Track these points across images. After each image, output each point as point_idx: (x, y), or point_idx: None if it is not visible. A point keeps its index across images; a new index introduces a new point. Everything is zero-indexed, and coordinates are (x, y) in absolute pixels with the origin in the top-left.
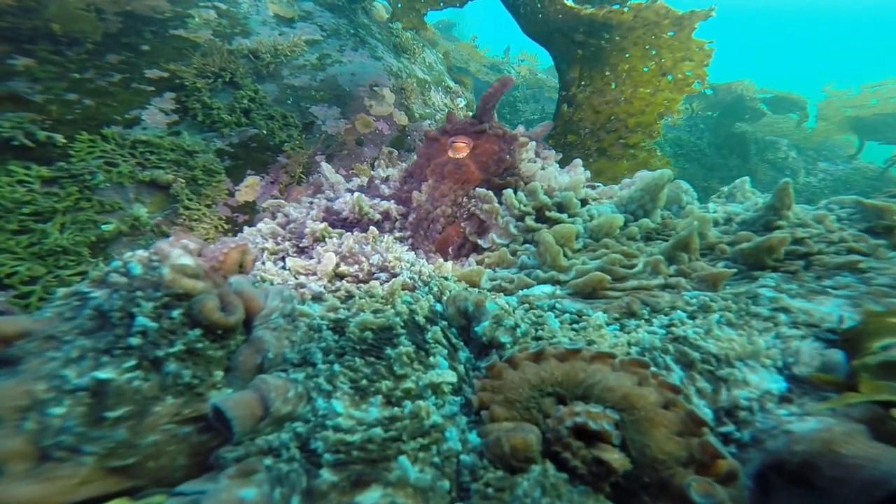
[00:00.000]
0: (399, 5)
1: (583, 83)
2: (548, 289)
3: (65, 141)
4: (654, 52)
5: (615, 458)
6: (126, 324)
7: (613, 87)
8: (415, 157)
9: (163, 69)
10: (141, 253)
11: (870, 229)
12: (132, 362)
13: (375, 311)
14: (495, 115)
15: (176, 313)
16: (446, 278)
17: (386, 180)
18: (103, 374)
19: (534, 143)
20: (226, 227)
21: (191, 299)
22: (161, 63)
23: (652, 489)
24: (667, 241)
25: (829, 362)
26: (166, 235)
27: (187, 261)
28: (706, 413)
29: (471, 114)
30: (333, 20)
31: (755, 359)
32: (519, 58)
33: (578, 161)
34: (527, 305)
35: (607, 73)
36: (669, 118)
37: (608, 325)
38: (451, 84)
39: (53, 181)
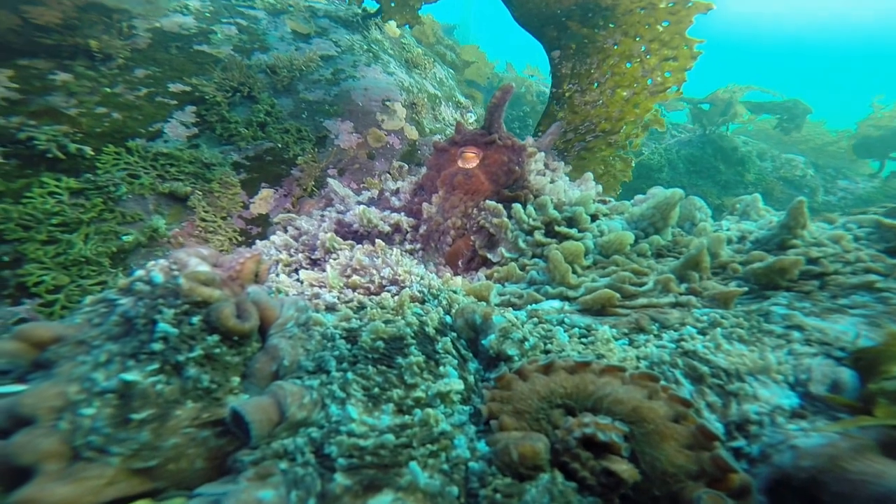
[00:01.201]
0: (392, 4)
1: (572, 81)
2: (557, 304)
3: (93, 153)
4: (642, 49)
5: (624, 468)
6: (149, 330)
7: (595, 86)
8: (425, 169)
9: (185, 83)
10: (163, 262)
11: (888, 249)
12: (155, 366)
13: (387, 322)
14: (504, 126)
15: (195, 320)
16: (455, 292)
17: (396, 192)
18: (129, 377)
19: (542, 153)
20: (240, 239)
21: (208, 307)
22: (184, 77)
23: (662, 502)
24: (678, 258)
25: (838, 381)
26: (182, 247)
27: (203, 269)
28: (717, 427)
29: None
30: (348, 36)
31: (766, 374)
32: (526, 72)
33: (589, 175)
34: (536, 319)
35: (593, 71)
36: (634, 131)
37: (617, 339)
38: (462, 99)
39: (80, 192)
